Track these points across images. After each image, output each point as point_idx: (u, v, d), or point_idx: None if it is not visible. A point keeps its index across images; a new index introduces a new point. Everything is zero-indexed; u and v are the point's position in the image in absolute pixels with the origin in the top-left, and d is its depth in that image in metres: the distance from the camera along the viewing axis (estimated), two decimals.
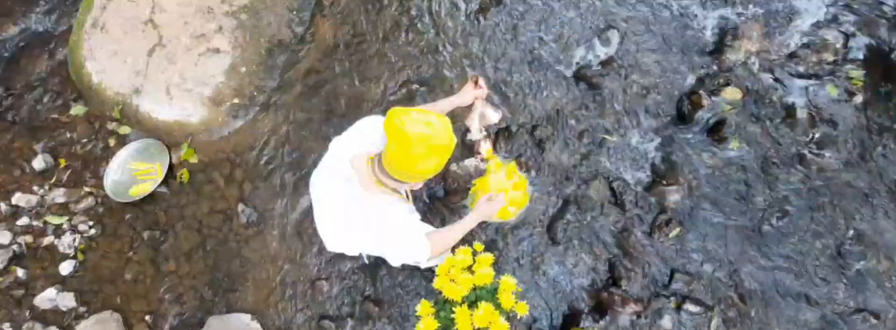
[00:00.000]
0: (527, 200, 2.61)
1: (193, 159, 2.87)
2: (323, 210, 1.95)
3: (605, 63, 2.94)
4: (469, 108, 2.21)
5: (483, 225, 2.60)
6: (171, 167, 2.84)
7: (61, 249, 2.74)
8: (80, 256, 2.73)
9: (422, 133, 1.59)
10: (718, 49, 2.96)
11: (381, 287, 2.57)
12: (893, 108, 2.78)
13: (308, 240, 2.67)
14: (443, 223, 2.57)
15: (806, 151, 2.70)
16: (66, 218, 2.80)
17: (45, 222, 2.80)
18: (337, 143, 1.93)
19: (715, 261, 2.53)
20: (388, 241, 1.85)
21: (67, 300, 2.64)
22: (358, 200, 1.79)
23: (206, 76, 2.88)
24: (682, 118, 2.83)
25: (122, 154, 2.89)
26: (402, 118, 1.61)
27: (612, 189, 2.67)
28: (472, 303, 1.85)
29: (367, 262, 2.50)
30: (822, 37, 2.93)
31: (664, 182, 2.65)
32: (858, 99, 2.79)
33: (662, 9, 3.08)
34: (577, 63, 2.98)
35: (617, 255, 2.55)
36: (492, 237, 2.60)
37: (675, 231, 2.56)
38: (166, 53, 2.88)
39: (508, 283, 1.86)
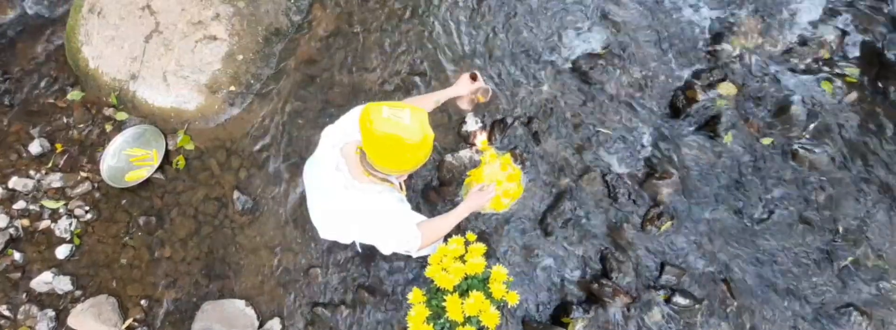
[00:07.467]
0: (521, 191, 2.63)
1: (189, 146, 2.88)
2: (315, 198, 1.96)
3: (601, 56, 2.95)
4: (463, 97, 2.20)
5: (477, 215, 2.62)
6: (167, 153, 2.85)
7: (58, 233, 2.76)
8: (77, 241, 2.75)
9: (391, 133, 1.57)
10: (714, 43, 2.96)
11: (375, 275, 2.59)
12: (887, 106, 2.79)
13: (302, 227, 2.69)
14: (435, 213, 2.59)
15: (799, 147, 2.72)
16: (63, 202, 2.81)
17: (42, 206, 2.82)
18: (329, 132, 1.94)
19: (705, 254, 2.55)
20: (378, 229, 1.86)
21: (63, 284, 2.66)
22: (348, 189, 1.80)
23: (203, 63, 2.87)
24: (677, 112, 2.84)
25: (119, 140, 2.89)
26: (372, 117, 1.57)
27: (605, 182, 2.69)
28: (464, 292, 1.88)
29: (359, 250, 2.52)
30: (819, 34, 2.93)
31: (657, 175, 2.67)
32: (852, 96, 2.80)
33: (659, 2, 3.08)
34: (573, 56, 2.98)
35: (608, 247, 2.57)
36: (485, 228, 2.62)
37: (667, 224, 2.58)
38: (163, 40, 2.88)
39: (500, 273, 1.88)
